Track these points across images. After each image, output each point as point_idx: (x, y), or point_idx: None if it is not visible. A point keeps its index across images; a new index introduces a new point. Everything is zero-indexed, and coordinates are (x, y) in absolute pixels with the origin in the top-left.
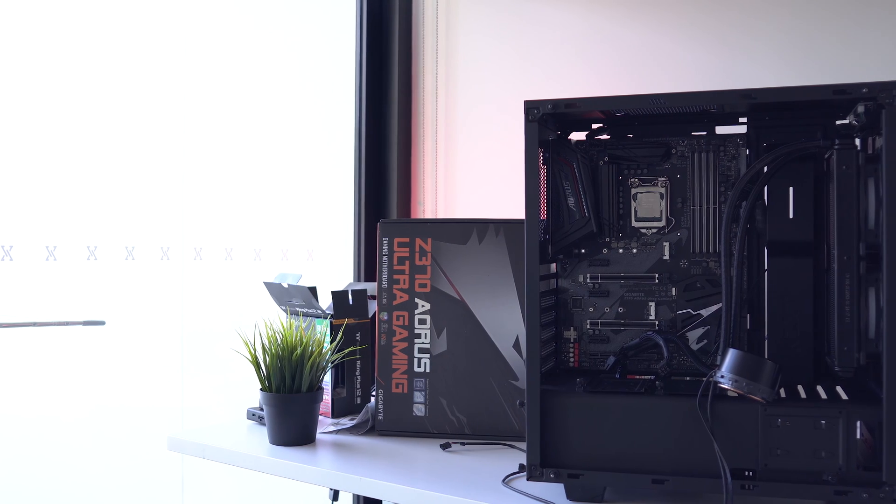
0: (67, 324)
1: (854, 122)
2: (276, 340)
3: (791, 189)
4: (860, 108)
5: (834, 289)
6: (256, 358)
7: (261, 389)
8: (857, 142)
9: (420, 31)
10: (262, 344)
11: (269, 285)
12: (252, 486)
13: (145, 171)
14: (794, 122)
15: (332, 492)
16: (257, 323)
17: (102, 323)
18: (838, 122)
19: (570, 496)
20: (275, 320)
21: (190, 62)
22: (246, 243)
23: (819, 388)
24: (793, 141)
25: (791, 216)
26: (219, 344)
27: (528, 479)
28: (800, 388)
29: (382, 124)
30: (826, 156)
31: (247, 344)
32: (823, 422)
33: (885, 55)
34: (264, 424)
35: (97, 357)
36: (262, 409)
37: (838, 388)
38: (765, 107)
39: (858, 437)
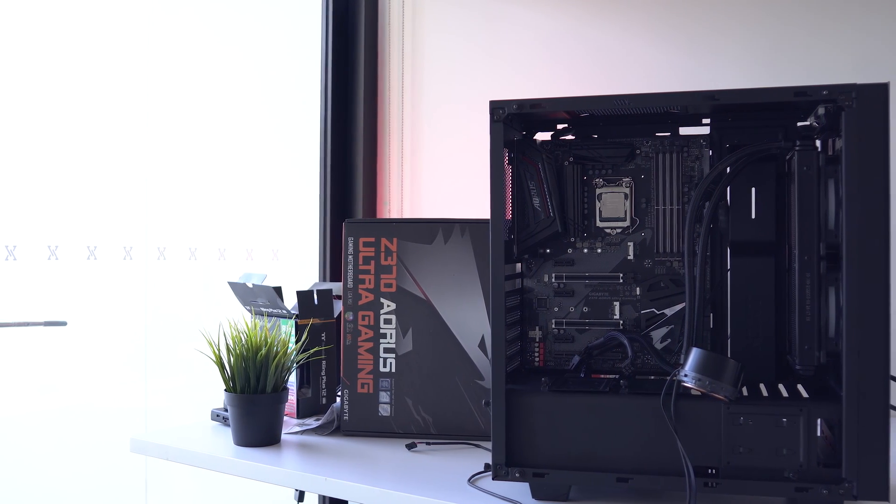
0: (28, 324)
1: (815, 123)
2: (241, 341)
3: (753, 189)
4: (820, 110)
5: (795, 288)
6: (221, 358)
7: (225, 390)
8: (818, 143)
9: (386, 29)
10: (227, 344)
11: (233, 285)
12: (217, 488)
13: (108, 169)
14: (756, 124)
15: (297, 492)
16: (221, 323)
17: (64, 323)
18: (799, 124)
19: (535, 495)
20: (239, 320)
21: (154, 60)
22: (210, 243)
23: (781, 387)
24: (755, 142)
25: (753, 216)
26: (182, 344)
27: (493, 479)
28: (762, 386)
29: (348, 123)
30: (787, 157)
31: (211, 344)
32: (785, 420)
33: (852, 56)
34: (228, 425)
35: (59, 358)
36: (226, 410)
37: (799, 387)
38: (728, 108)
39: (819, 434)
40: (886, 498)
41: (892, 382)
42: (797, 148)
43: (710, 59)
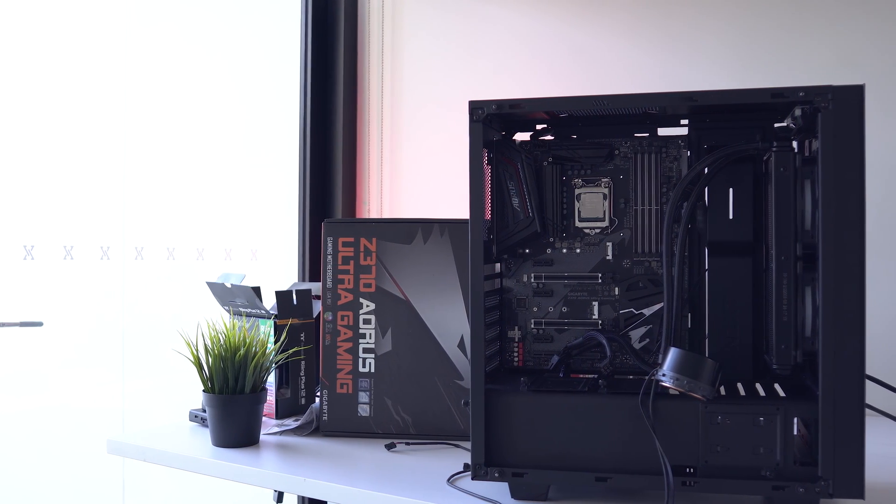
0: (3, 325)
1: (791, 124)
2: (219, 341)
3: (731, 190)
4: (797, 112)
5: (772, 288)
6: (199, 359)
7: (203, 391)
8: (795, 144)
9: (365, 29)
10: (205, 344)
11: (212, 285)
12: (195, 489)
13: (85, 168)
14: (734, 125)
15: (276, 493)
16: (200, 323)
17: (40, 324)
18: (777, 125)
19: (514, 495)
20: (218, 321)
21: (131, 58)
22: (188, 243)
23: (758, 386)
24: (733, 143)
25: (731, 217)
26: (160, 345)
27: (472, 479)
28: (739, 385)
29: (327, 123)
30: (765, 158)
31: (189, 345)
32: (762, 419)
33: (824, 60)
34: (207, 426)
35: (35, 359)
36: (204, 411)
37: (776, 386)
38: (705, 109)
39: (795, 433)
40: (861, 496)
41: (867, 381)
42: (774, 149)
43: (691, 58)
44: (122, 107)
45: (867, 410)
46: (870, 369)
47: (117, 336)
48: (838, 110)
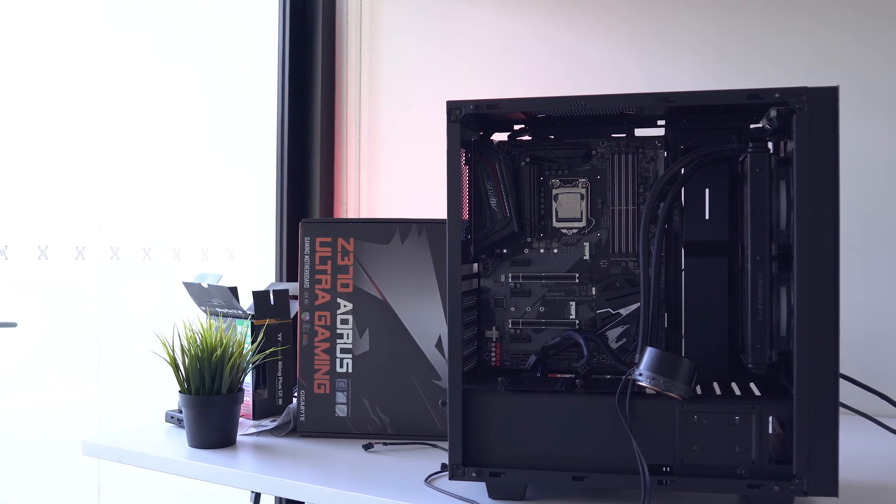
0: None
1: (767, 125)
2: (196, 341)
3: (707, 190)
4: (773, 113)
5: (747, 288)
6: (175, 359)
7: (179, 391)
8: (770, 145)
9: (343, 29)
10: (181, 345)
11: (188, 285)
12: (172, 491)
13: (60, 167)
14: (710, 126)
15: (253, 494)
16: (176, 324)
17: (14, 325)
18: (752, 126)
19: (491, 494)
20: (194, 321)
21: (107, 57)
22: (165, 242)
23: (734, 385)
24: (709, 143)
25: (707, 217)
26: (136, 345)
27: (450, 479)
28: (715, 385)
29: (305, 123)
30: (741, 158)
31: (165, 345)
32: (737, 418)
33: (800, 61)
34: (183, 427)
35: (9, 360)
36: (180, 412)
37: (752, 385)
38: (682, 110)
39: (770, 431)
40: (835, 493)
41: (841, 380)
42: (750, 150)
43: (669, 57)
44: (98, 105)
45: (841, 409)
46: (844, 368)
47: (92, 337)
48: (813, 112)
